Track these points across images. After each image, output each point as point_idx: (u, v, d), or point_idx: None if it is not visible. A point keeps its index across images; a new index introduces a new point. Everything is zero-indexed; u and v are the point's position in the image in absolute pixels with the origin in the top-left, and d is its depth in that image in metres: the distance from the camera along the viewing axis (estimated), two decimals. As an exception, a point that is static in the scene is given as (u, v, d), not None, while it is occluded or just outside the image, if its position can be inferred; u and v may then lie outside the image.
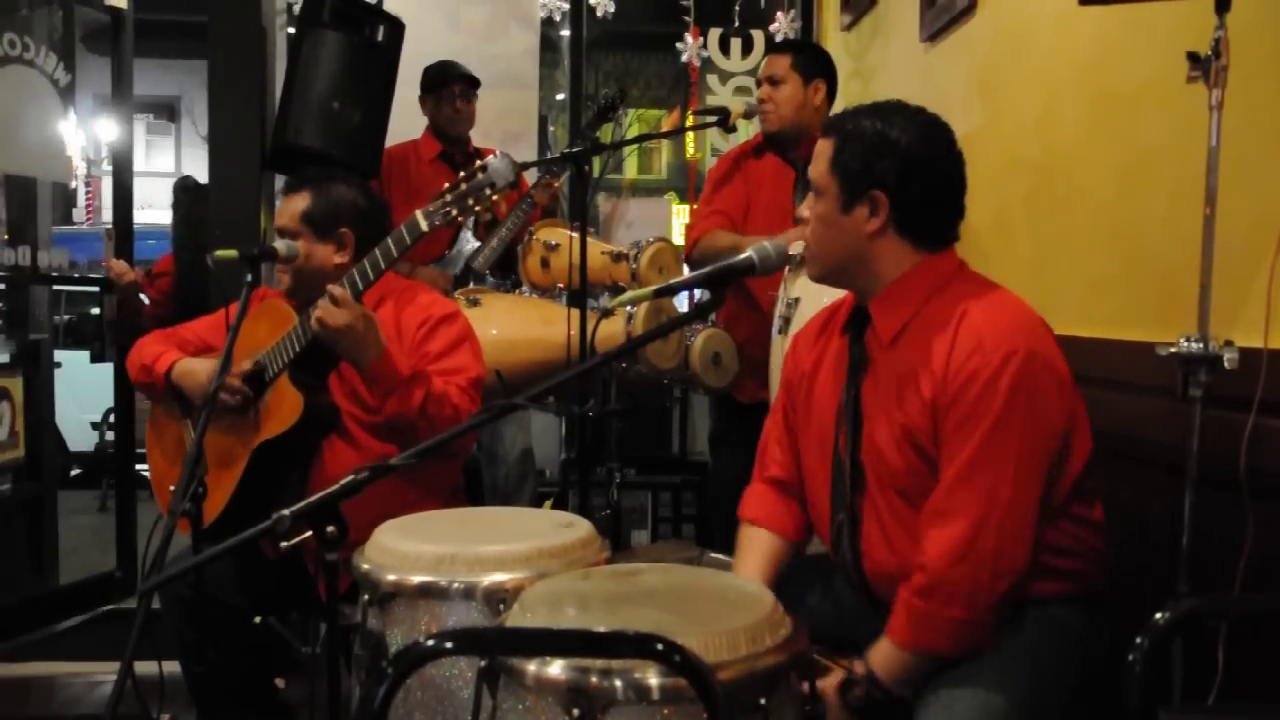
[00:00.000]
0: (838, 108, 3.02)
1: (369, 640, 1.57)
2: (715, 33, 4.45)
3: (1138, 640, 1.27)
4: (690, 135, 5.29)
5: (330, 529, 1.31)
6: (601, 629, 1.21)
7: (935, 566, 1.46)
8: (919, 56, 3.20)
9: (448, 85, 3.59)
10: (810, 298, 2.36)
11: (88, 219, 12.16)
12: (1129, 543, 1.72)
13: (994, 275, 1.66)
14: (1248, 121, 1.62)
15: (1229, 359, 1.56)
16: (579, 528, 1.71)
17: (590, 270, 2.72)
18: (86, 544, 4.29)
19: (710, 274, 1.52)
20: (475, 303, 2.98)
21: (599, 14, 4.42)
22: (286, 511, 1.29)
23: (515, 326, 2.95)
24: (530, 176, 3.55)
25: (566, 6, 4.49)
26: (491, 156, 1.98)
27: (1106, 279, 2.12)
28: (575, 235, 2.72)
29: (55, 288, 3.89)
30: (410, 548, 1.60)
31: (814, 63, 3.07)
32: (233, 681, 2.14)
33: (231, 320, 2.04)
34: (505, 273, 3.48)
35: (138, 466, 3.20)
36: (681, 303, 4.67)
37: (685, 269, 3.18)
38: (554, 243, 3.09)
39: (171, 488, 1.87)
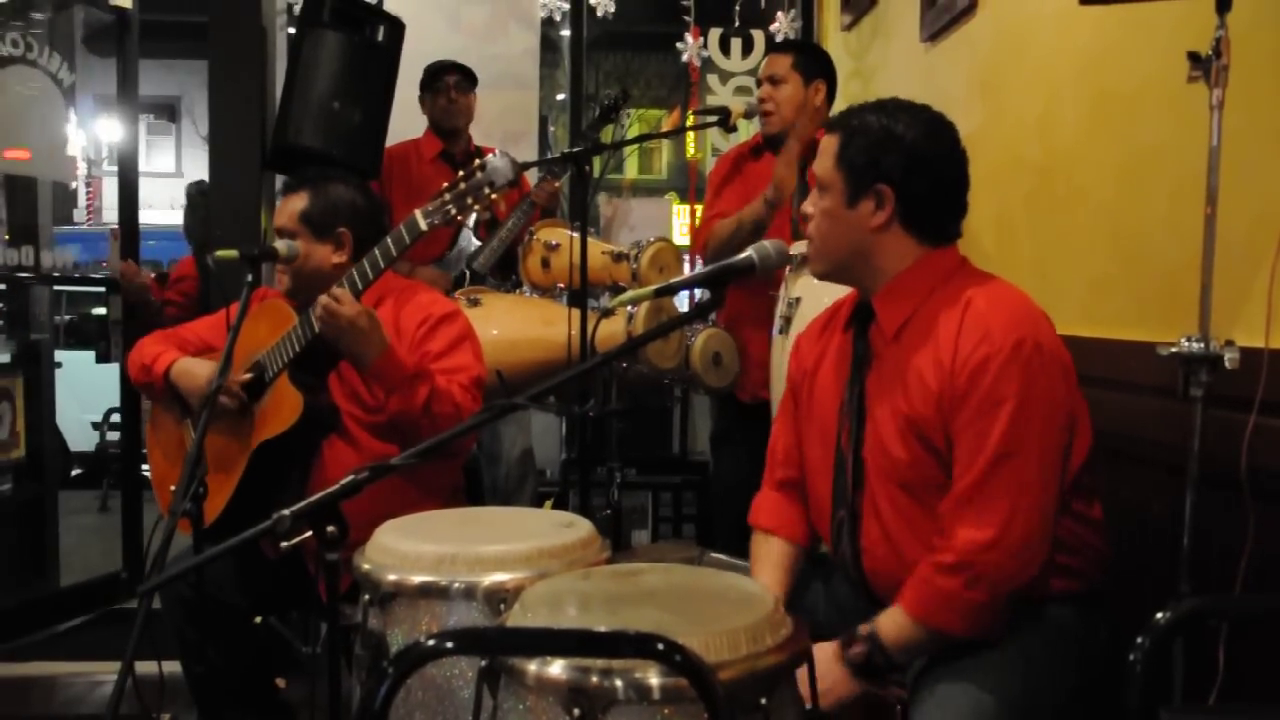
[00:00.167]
0: (838, 108, 3.02)
1: (370, 640, 1.57)
2: (716, 33, 4.46)
3: (1139, 640, 1.27)
4: (691, 135, 5.29)
5: (331, 529, 1.31)
6: (602, 629, 1.21)
7: (966, 550, 1.45)
8: (919, 56, 3.20)
9: (441, 76, 3.60)
10: (811, 297, 2.36)
11: (88, 219, 12.17)
12: (1130, 542, 1.72)
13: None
14: (1248, 121, 1.62)
15: (1230, 359, 1.56)
16: (579, 528, 1.71)
17: (591, 270, 2.73)
18: (87, 544, 4.29)
19: (710, 274, 1.53)
20: (476, 303, 2.98)
21: (599, 14, 4.42)
22: (287, 511, 1.29)
23: (516, 326, 2.95)
24: (531, 177, 3.56)
25: (567, 6, 4.49)
26: (491, 155, 1.98)
27: (1107, 279, 2.12)
28: (576, 235, 2.72)
29: (57, 288, 3.89)
30: (411, 548, 1.60)
31: (814, 63, 3.07)
32: (233, 681, 2.14)
33: (232, 320, 2.04)
34: (506, 273, 3.48)
35: (143, 467, 3.20)
36: (682, 302, 4.67)
37: (686, 269, 3.18)
38: (554, 243, 3.09)
39: (172, 488, 1.87)
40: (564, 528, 1.70)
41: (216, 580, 2.04)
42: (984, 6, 2.73)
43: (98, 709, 2.95)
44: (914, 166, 1.57)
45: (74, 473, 6.14)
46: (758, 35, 4.46)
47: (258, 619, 2.08)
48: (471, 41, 4.38)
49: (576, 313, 2.63)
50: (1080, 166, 2.24)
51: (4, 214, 3.51)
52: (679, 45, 4.45)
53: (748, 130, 3.94)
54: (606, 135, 3.25)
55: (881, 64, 3.65)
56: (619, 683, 1.16)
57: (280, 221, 2.21)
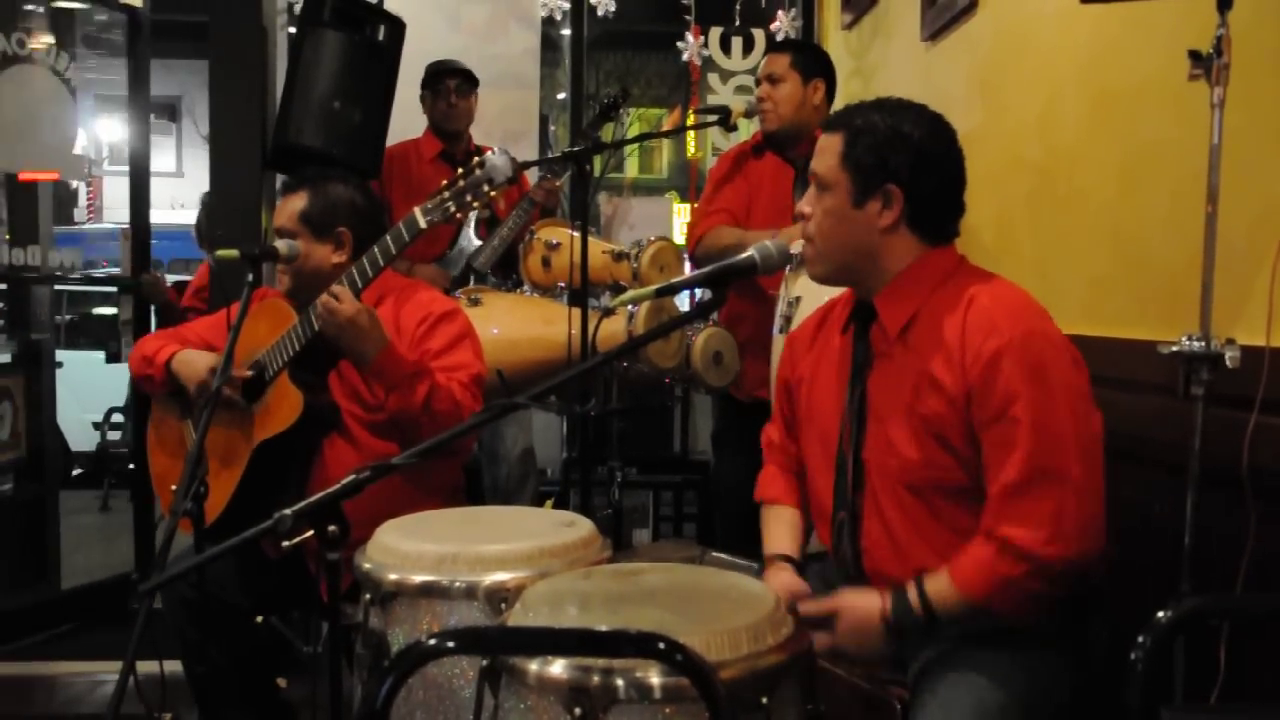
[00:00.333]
0: (838, 107, 3.01)
1: (371, 639, 1.57)
2: (716, 32, 4.46)
3: (1140, 639, 1.27)
4: (691, 134, 5.29)
5: (332, 528, 1.31)
6: (603, 628, 1.21)
7: (1030, 548, 1.43)
8: (920, 55, 3.19)
9: (442, 80, 3.60)
10: (811, 297, 2.36)
11: (89, 219, 12.17)
12: (1131, 541, 1.71)
13: (995, 274, 1.66)
14: (1249, 120, 1.62)
15: (1231, 357, 1.56)
16: (580, 527, 1.71)
17: (591, 269, 2.72)
18: (88, 544, 4.29)
19: (711, 273, 1.52)
20: (476, 302, 2.98)
21: (600, 13, 4.42)
22: (288, 511, 1.29)
23: (516, 326, 2.95)
24: (531, 176, 3.56)
25: (567, 6, 4.48)
26: (490, 153, 1.98)
27: (1108, 278, 2.12)
28: (576, 234, 2.72)
29: (60, 288, 3.90)
30: (412, 547, 1.60)
31: (813, 62, 3.07)
32: (235, 681, 2.14)
33: (232, 320, 2.04)
34: (506, 272, 3.48)
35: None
36: (683, 302, 4.67)
37: (687, 268, 3.18)
38: (555, 242, 3.09)
39: (173, 487, 1.87)
40: (565, 527, 1.70)
41: (218, 580, 2.04)
42: (984, 6, 2.72)
43: (99, 708, 2.95)
44: (921, 166, 1.57)
45: (75, 473, 6.15)
46: (758, 34, 4.46)
47: (259, 618, 2.08)
48: (472, 41, 4.38)
49: (577, 312, 2.63)
50: (1081, 165, 2.24)
51: (4, 214, 3.51)
52: (679, 44, 4.45)
53: (748, 129, 3.94)
54: (607, 134, 3.26)
55: (882, 63, 3.65)
56: (620, 682, 1.16)
57: (280, 221, 2.21)
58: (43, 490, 3.55)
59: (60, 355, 3.75)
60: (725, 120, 3.11)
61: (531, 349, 2.88)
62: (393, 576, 1.56)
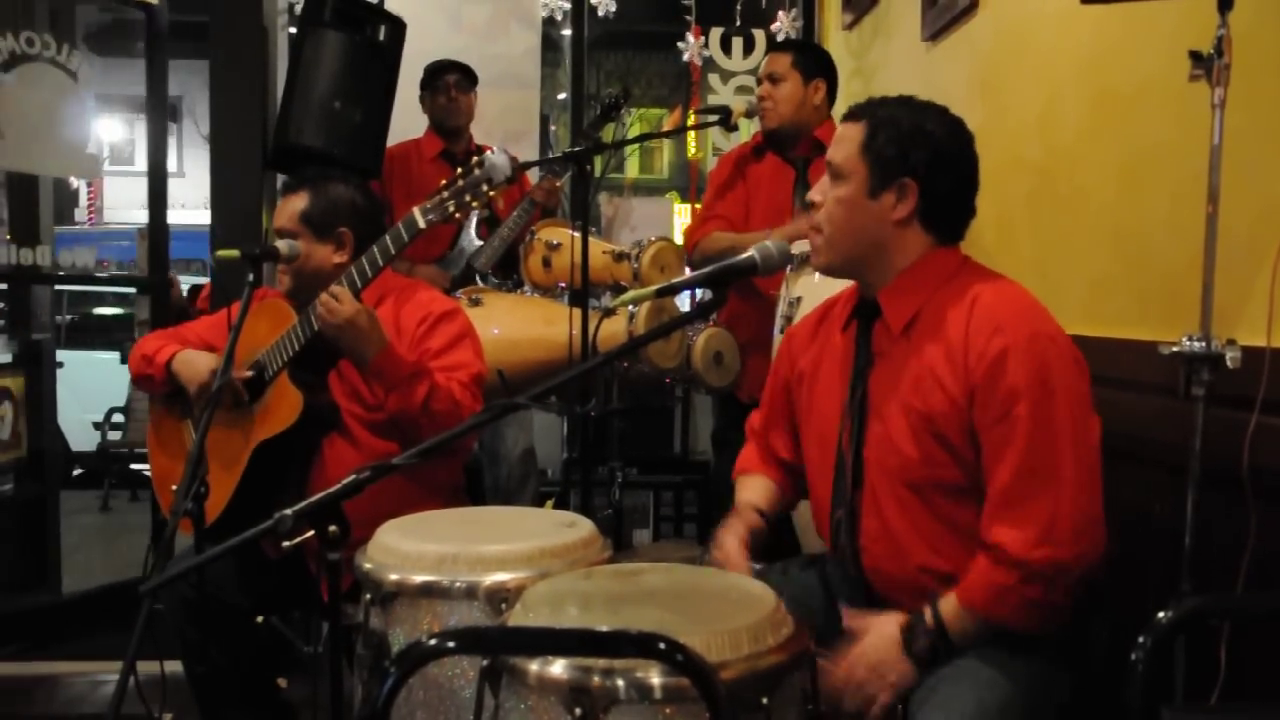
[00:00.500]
0: (839, 107, 3.02)
1: (371, 640, 1.57)
2: (717, 32, 4.45)
3: (1140, 639, 1.27)
4: (692, 135, 5.30)
5: (332, 528, 1.31)
6: (604, 628, 1.21)
7: (1018, 553, 1.44)
8: (920, 55, 3.19)
9: (440, 76, 3.60)
10: (812, 297, 2.36)
11: (89, 219, 12.17)
12: (1131, 542, 1.71)
13: (996, 274, 1.66)
14: (1250, 120, 1.62)
15: (1231, 358, 1.56)
16: (581, 527, 1.71)
17: (592, 270, 2.73)
18: (88, 544, 4.29)
19: (712, 273, 1.52)
20: (477, 302, 2.98)
21: (600, 13, 4.42)
22: (288, 511, 1.29)
23: (517, 326, 2.96)
24: (532, 176, 3.56)
25: (568, 6, 4.48)
26: (489, 152, 1.98)
27: (1108, 278, 2.12)
28: (577, 235, 2.72)
29: (67, 288, 3.90)
30: (412, 547, 1.60)
31: (814, 62, 3.07)
32: (235, 681, 2.14)
33: (233, 320, 2.04)
34: (507, 272, 3.48)
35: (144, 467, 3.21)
36: (683, 302, 4.67)
37: (687, 268, 3.18)
38: (556, 242, 3.09)
39: (174, 487, 1.87)
40: (565, 527, 1.70)
41: (218, 580, 2.04)
42: (985, 6, 2.72)
43: (99, 708, 2.96)
44: (938, 163, 1.58)
45: (75, 473, 6.15)
46: (759, 35, 4.46)
47: (259, 619, 2.08)
48: (473, 41, 4.38)
49: (578, 312, 2.63)
50: (1081, 166, 2.24)
51: (4, 214, 3.51)
52: (680, 45, 4.45)
53: (749, 130, 3.94)
54: (607, 134, 3.26)
55: (882, 63, 3.64)
56: (620, 682, 1.16)
57: (280, 221, 2.21)
58: (43, 490, 3.55)
59: (61, 355, 3.75)
60: (726, 120, 3.11)
61: (532, 349, 2.88)
62: (393, 576, 1.56)
